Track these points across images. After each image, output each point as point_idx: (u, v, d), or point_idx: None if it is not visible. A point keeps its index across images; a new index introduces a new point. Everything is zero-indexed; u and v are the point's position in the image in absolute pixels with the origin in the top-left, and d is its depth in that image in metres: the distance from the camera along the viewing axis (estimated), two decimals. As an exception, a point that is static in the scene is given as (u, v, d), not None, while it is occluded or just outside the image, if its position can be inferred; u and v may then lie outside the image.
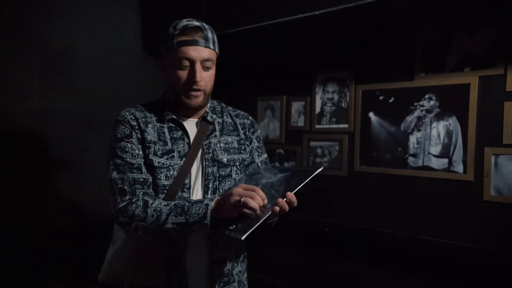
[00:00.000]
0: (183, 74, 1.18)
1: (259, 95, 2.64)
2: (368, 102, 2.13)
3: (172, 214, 1.10)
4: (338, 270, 2.26)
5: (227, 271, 1.27)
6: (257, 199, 1.03)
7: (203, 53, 1.17)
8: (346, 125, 2.23)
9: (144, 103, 1.30)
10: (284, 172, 1.21)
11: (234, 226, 1.07)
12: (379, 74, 2.09)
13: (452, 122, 1.84)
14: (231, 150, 1.29)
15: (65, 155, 2.23)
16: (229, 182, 1.27)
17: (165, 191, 1.19)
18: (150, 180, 1.19)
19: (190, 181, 1.22)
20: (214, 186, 1.24)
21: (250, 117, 1.41)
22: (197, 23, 1.19)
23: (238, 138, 1.33)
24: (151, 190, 1.19)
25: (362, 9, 1.67)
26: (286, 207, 1.08)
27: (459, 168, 1.82)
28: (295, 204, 1.10)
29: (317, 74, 2.35)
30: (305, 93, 2.41)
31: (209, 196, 1.23)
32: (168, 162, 1.20)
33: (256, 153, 1.37)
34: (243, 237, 1.01)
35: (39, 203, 2.14)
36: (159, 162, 1.19)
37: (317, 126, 2.36)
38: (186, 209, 1.10)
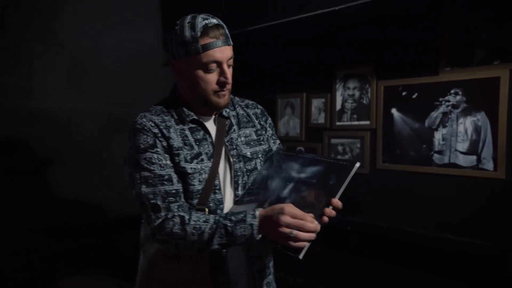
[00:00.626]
0: (212, 76, 1.14)
1: (278, 93, 2.63)
2: (390, 98, 2.08)
3: (216, 235, 1.05)
4: (360, 269, 2.22)
5: (263, 265, 1.27)
6: (307, 230, 0.98)
7: (227, 52, 1.14)
8: (367, 122, 2.18)
9: (156, 105, 1.24)
10: (315, 164, 1.13)
11: None
12: (402, 69, 2.03)
13: (481, 117, 1.77)
14: (251, 143, 1.27)
15: (90, 153, 2.30)
16: (255, 175, 1.25)
17: (198, 196, 1.15)
18: (181, 189, 1.14)
19: (219, 181, 1.19)
20: (243, 182, 1.23)
21: (259, 106, 1.38)
22: (214, 20, 1.14)
23: (255, 129, 1.30)
24: (183, 200, 1.14)
25: (384, 2, 1.63)
26: (334, 214, 1.04)
27: (489, 165, 1.75)
28: (341, 207, 1.05)
29: (337, 70, 2.31)
30: (326, 89, 2.38)
31: (239, 192, 1.21)
32: (199, 166, 1.15)
33: (272, 141, 1.35)
34: (301, 256, 0.98)
35: (65, 200, 2.21)
36: (191, 168, 1.14)
37: (338, 123, 2.32)
38: (230, 230, 1.04)
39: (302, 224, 0.98)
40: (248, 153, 1.25)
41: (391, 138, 2.08)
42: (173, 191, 1.11)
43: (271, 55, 2.61)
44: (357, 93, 2.23)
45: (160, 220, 1.09)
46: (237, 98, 1.35)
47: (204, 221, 1.07)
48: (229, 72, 1.16)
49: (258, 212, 1.05)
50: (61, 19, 2.16)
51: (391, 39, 2.07)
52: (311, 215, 1.01)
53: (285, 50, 2.55)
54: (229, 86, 1.17)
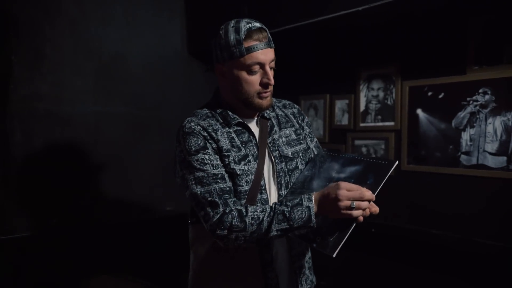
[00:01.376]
0: (255, 78, 1.18)
1: (302, 94, 2.63)
2: (415, 98, 2.04)
3: (274, 222, 1.09)
4: (385, 271, 2.18)
5: (303, 263, 1.34)
6: (365, 199, 1.03)
7: (269, 54, 1.18)
8: (392, 123, 2.15)
9: (201, 109, 1.28)
10: (354, 164, 1.17)
11: (320, 238, 1.08)
12: (427, 69, 1.99)
13: (511, 117, 1.71)
14: (292, 143, 1.31)
15: (117, 156, 2.36)
16: (297, 174, 1.29)
17: (246, 196, 1.19)
18: (233, 187, 1.18)
19: (264, 181, 1.23)
20: (286, 182, 1.26)
21: (295, 105, 1.43)
22: (257, 24, 1.17)
23: (294, 129, 1.34)
24: (235, 198, 1.18)
25: (407, 1, 1.61)
26: (368, 213, 1.07)
27: (520, 166, 1.70)
28: (377, 211, 1.10)
29: (361, 71, 2.29)
30: (349, 91, 2.36)
31: (283, 192, 1.25)
32: (247, 168, 1.19)
33: (309, 139, 1.39)
34: (334, 255, 1.01)
35: (92, 202, 2.28)
36: (240, 170, 1.18)
37: (361, 125, 2.30)
38: (287, 215, 1.08)
39: (361, 194, 1.03)
40: (290, 153, 1.29)
41: (417, 139, 2.04)
42: (227, 189, 1.16)
43: (294, 57, 2.62)
44: (381, 94, 2.21)
45: (218, 215, 1.12)
46: (274, 99, 1.37)
47: (261, 211, 1.11)
48: (271, 73, 1.20)
49: (313, 195, 1.09)
50: (89, 26, 2.24)
51: (415, 39, 2.04)
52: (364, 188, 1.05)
53: (308, 51, 2.55)
54: (271, 88, 1.21)
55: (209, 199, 1.13)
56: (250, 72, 1.17)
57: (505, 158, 1.74)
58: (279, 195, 1.25)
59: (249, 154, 1.21)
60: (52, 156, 2.13)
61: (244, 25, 1.16)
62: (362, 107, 2.30)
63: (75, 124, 2.20)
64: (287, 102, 1.42)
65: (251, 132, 1.25)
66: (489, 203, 1.80)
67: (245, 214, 1.10)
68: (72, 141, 2.19)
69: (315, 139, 1.43)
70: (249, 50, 1.14)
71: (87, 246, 2.21)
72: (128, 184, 2.41)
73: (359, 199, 1.03)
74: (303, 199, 1.09)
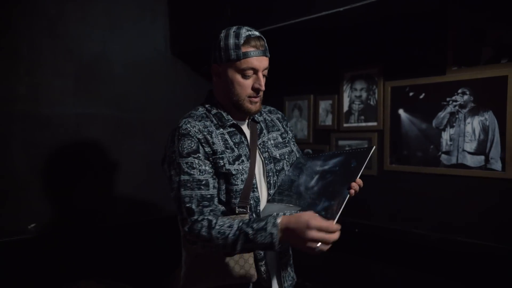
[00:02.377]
0: (248, 82, 1.25)
1: (286, 95, 2.64)
2: (397, 98, 2.07)
3: (239, 241, 1.10)
4: (369, 271, 2.20)
5: (287, 260, 1.42)
6: (332, 241, 1.04)
7: (264, 62, 1.26)
8: (375, 123, 2.17)
9: (196, 110, 1.33)
10: (335, 157, 1.29)
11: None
12: (409, 69, 2.02)
13: (488, 117, 1.75)
14: (279, 145, 1.40)
15: (99, 159, 2.32)
16: (283, 175, 1.37)
17: (239, 195, 1.25)
18: (216, 194, 1.23)
19: (256, 180, 1.29)
20: (274, 181, 1.34)
21: (279, 111, 1.54)
22: (257, 33, 1.26)
23: (280, 133, 1.44)
24: (216, 204, 1.22)
25: (388, 3, 1.63)
26: (357, 188, 1.19)
27: (497, 165, 1.73)
28: (362, 185, 1.21)
29: (344, 72, 2.31)
30: (333, 91, 2.37)
31: (271, 191, 1.33)
32: (241, 167, 1.26)
33: (292, 143, 1.48)
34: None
35: (75, 206, 2.24)
36: (235, 169, 1.24)
37: (345, 125, 2.32)
38: (251, 237, 1.09)
39: (328, 238, 1.03)
40: (277, 155, 1.38)
41: (399, 139, 2.07)
42: (208, 196, 1.21)
43: (277, 58, 2.61)
44: (364, 94, 2.23)
45: (191, 223, 1.17)
46: None
47: (229, 227, 1.13)
48: (263, 81, 1.28)
49: (279, 220, 1.08)
50: (69, 25, 2.18)
51: (397, 40, 2.07)
52: (335, 225, 1.06)
53: (292, 52, 2.56)
54: (261, 94, 1.29)
55: (187, 205, 1.18)
56: (244, 76, 1.25)
57: (483, 157, 1.77)
58: (268, 194, 1.33)
59: (242, 154, 1.28)
60: (31, 160, 2.07)
61: (245, 32, 1.24)
62: (345, 107, 2.31)
63: (54, 126, 2.15)
64: (272, 108, 1.52)
65: (243, 134, 1.32)
66: (468, 202, 1.83)
67: (213, 226, 1.13)
68: (51, 144, 2.14)
69: (296, 145, 1.52)
70: (246, 55, 1.23)
71: (67, 251, 2.17)
72: (111, 187, 2.37)
73: (326, 242, 1.03)
74: (267, 224, 1.08)
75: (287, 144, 1.43)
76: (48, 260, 2.09)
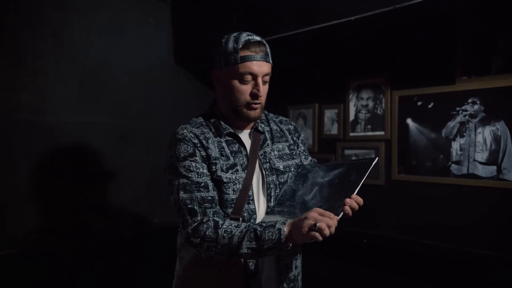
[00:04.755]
0: (246, 88, 1.21)
1: (290, 104, 2.62)
2: (405, 108, 2.05)
3: (246, 239, 1.08)
4: (377, 282, 2.16)
5: (293, 277, 1.32)
6: (332, 228, 1.00)
7: (264, 67, 1.21)
8: (382, 133, 2.15)
9: (196, 118, 1.32)
10: (337, 168, 1.21)
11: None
12: (417, 78, 2.01)
13: (500, 127, 1.74)
14: (284, 157, 1.34)
15: (101, 167, 2.28)
16: (285, 187, 1.31)
17: (233, 205, 1.21)
18: (217, 197, 1.20)
19: (253, 192, 1.24)
20: (276, 194, 1.28)
21: (292, 122, 1.46)
22: (257, 38, 1.22)
23: (287, 144, 1.37)
24: (218, 207, 1.20)
25: (400, 12, 1.62)
26: (356, 206, 1.08)
27: (510, 176, 1.71)
28: (361, 202, 1.10)
29: (351, 81, 2.29)
30: (338, 100, 2.36)
31: (271, 204, 1.26)
32: (234, 176, 1.22)
33: (303, 156, 1.41)
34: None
35: (79, 214, 2.19)
36: (227, 178, 1.21)
37: (351, 134, 2.30)
38: (259, 234, 1.07)
39: (328, 221, 1.00)
40: (281, 167, 1.31)
41: (407, 149, 2.05)
42: (209, 198, 1.18)
43: (283, 66, 2.60)
44: (371, 104, 2.21)
45: (195, 224, 1.14)
46: (271, 114, 1.43)
47: (236, 226, 1.12)
48: (263, 87, 1.23)
49: (289, 221, 1.08)
50: (73, 33, 2.16)
51: (405, 49, 2.06)
52: (331, 214, 1.03)
53: (297, 60, 2.54)
54: (261, 100, 1.24)
55: (189, 206, 1.16)
56: (242, 81, 1.21)
57: (495, 167, 1.75)
58: (268, 207, 1.26)
59: (238, 163, 1.24)
60: (34, 169, 2.03)
61: (244, 36, 1.21)
62: (351, 116, 2.30)
63: (57, 135, 2.11)
64: (284, 119, 1.45)
65: (241, 143, 1.28)
66: (480, 212, 1.81)
67: (220, 226, 1.12)
68: (54, 152, 2.10)
69: (310, 158, 1.44)
70: (244, 59, 1.19)
71: (72, 263, 2.11)
72: (113, 196, 2.33)
73: (325, 223, 0.99)
74: (277, 222, 1.08)
75: (295, 157, 1.36)
76: (51, 271, 2.03)
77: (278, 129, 1.39)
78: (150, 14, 2.49)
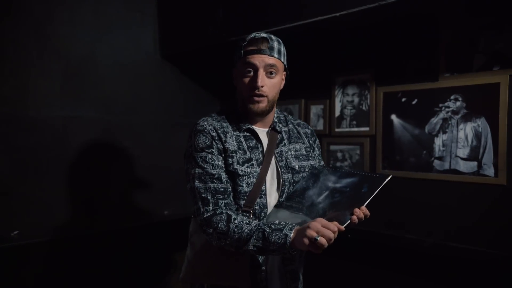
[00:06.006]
0: (247, 80, 1.26)
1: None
2: (389, 104, 2.08)
3: (254, 237, 1.14)
4: (361, 277, 2.19)
5: (295, 269, 1.37)
6: (332, 241, 1.04)
7: (266, 60, 1.24)
8: (367, 128, 2.18)
9: (218, 112, 1.37)
10: (351, 176, 1.25)
11: None
12: (401, 75, 2.03)
13: (481, 123, 1.77)
14: (300, 157, 1.39)
15: (86, 163, 2.25)
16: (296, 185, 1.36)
17: (245, 198, 1.26)
18: (230, 189, 1.25)
19: (266, 187, 1.29)
20: (289, 191, 1.33)
21: (309, 126, 1.52)
22: (264, 35, 1.27)
23: (304, 146, 1.42)
24: (231, 199, 1.25)
25: (384, 9, 1.63)
26: (363, 217, 1.13)
27: (490, 171, 1.75)
28: (368, 215, 1.15)
29: (336, 77, 2.31)
30: (324, 96, 2.37)
31: (282, 198, 1.31)
32: (249, 170, 1.26)
33: (317, 160, 1.46)
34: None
35: (64, 210, 2.16)
36: (242, 170, 1.26)
37: (337, 130, 2.31)
38: (266, 235, 1.12)
39: (329, 234, 1.04)
40: (296, 166, 1.36)
41: (391, 145, 2.07)
42: (222, 189, 1.24)
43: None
44: (356, 100, 2.23)
45: (209, 214, 1.21)
46: (290, 116, 1.49)
47: (247, 223, 1.17)
48: (266, 80, 1.25)
49: (296, 227, 1.12)
50: (57, 25, 2.12)
51: (390, 46, 2.08)
52: (335, 223, 1.07)
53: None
54: (263, 92, 1.25)
55: (203, 195, 1.23)
56: (244, 74, 1.26)
57: (475, 163, 1.79)
58: (279, 202, 1.32)
59: (254, 158, 1.29)
60: (15, 164, 1.99)
61: (253, 34, 1.28)
62: (337, 112, 2.31)
63: (40, 129, 2.07)
64: (302, 122, 1.51)
65: (259, 139, 1.33)
66: (461, 207, 1.84)
67: (232, 220, 1.17)
68: (37, 147, 2.06)
69: (322, 162, 1.48)
70: (246, 53, 1.25)
71: (54, 258, 2.09)
72: (99, 191, 2.30)
73: (326, 236, 1.03)
74: (285, 227, 1.12)
75: (310, 159, 1.41)
76: (32, 270, 2.01)
77: (296, 131, 1.44)
78: (136, 8, 2.46)
